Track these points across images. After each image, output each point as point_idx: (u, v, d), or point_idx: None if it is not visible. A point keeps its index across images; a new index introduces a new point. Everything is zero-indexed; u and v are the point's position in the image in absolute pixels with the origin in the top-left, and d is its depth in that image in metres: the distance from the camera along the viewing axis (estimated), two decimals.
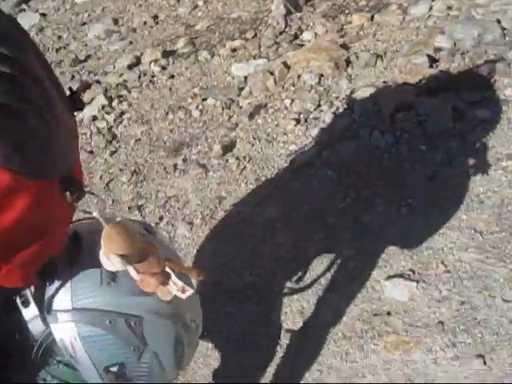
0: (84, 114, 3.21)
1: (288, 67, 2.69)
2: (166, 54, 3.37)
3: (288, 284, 1.97)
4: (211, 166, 2.54)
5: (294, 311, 1.88)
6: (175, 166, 2.64)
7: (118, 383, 0.90)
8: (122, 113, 3.12)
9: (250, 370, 1.78)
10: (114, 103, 3.19)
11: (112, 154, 2.89)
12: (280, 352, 1.79)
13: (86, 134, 3.07)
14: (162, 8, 3.87)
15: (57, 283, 0.88)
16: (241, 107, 2.75)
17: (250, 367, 1.79)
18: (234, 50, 3.08)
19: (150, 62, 3.35)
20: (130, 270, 0.79)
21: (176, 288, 0.83)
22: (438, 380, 1.65)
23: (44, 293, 0.87)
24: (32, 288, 0.87)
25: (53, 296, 0.88)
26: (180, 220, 2.36)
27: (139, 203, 2.53)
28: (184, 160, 2.65)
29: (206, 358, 1.85)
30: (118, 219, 0.82)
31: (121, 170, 2.77)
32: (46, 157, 0.68)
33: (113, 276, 0.87)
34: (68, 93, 0.80)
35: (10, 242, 0.68)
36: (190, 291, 0.83)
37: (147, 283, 0.80)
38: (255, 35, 3.09)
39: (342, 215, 2.07)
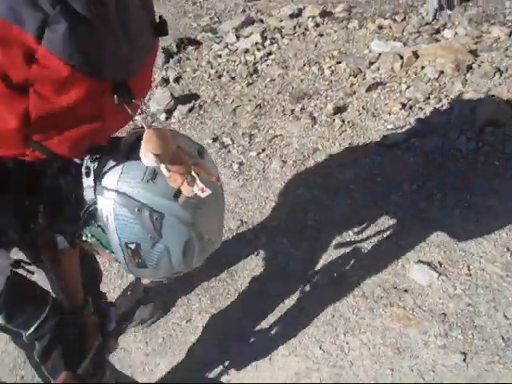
0: (239, 46, 3.53)
1: (417, 56, 2.74)
2: (324, 13, 3.52)
3: (346, 235, 2.16)
4: (320, 120, 2.74)
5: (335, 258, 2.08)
6: (292, 111, 2.87)
7: (133, 259, 1.01)
8: (269, 53, 3.38)
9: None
10: (266, 43, 3.45)
11: (248, 85, 3.18)
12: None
13: (235, 61, 3.39)
14: None
15: (112, 164, 0.98)
16: (364, 78, 2.88)
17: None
18: (380, 27, 3.16)
19: (308, 17, 3.53)
20: (162, 167, 0.91)
21: (197, 188, 0.95)
22: (420, 358, 1.79)
23: (102, 170, 0.99)
24: (96, 163, 1.00)
25: (105, 174, 0.98)
26: (277, 156, 2.62)
27: (252, 132, 2.82)
28: (301, 109, 2.86)
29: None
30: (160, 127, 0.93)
31: (249, 100, 3.06)
32: (105, 61, 0.77)
33: (153, 176, 0.96)
34: (158, 19, 0.89)
35: (64, 119, 0.80)
36: (207, 192, 0.94)
37: (174, 179, 0.93)
38: (404, 19, 3.13)
39: (404, 196, 2.19)
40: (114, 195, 0.97)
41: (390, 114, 2.58)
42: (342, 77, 2.98)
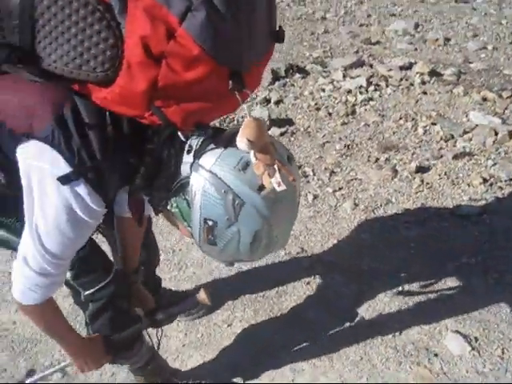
0: (344, 84, 3.73)
1: (511, 137, 2.83)
2: (433, 73, 3.67)
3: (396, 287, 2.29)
4: (400, 175, 2.88)
5: None
6: (377, 159, 3.02)
7: (207, 235, 1.12)
8: (371, 99, 3.55)
9: None
10: (370, 88, 3.64)
11: (342, 124, 3.34)
12: None
13: (336, 98, 3.60)
14: None
15: (212, 147, 1.09)
16: (455, 145, 3.01)
17: None
18: (484, 99, 3.28)
19: (417, 73, 3.69)
20: (251, 153, 1.03)
21: (275, 180, 1.04)
22: None
23: (202, 150, 1.10)
24: (198, 144, 1.11)
25: (204, 154, 1.09)
26: (351, 198, 2.79)
27: (334, 169, 2.99)
28: (386, 159, 3.01)
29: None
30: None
31: (340, 138, 3.25)
32: (229, 51, 0.92)
33: (245, 167, 1.06)
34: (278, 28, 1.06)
35: (183, 92, 0.94)
36: (283, 187, 1.04)
37: (258, 167, 1.03)
38: (509, 97, 3.22)
39: (461, 267, 2.30)
40: (207, 174, 1.07)
41: (469, 185, 2.69)
42: (434, 138, 3.11)
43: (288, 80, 3.89)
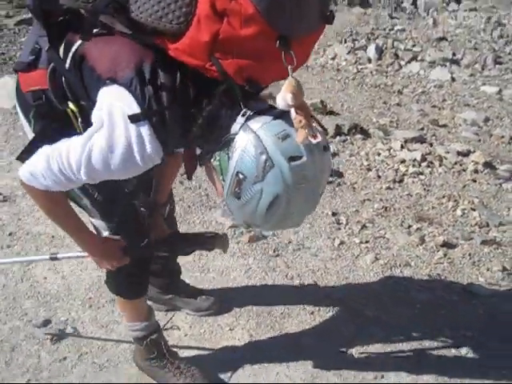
0: (399, 154, 4.00)
1: None
2: (487, 164, 3.91)
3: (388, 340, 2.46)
4: (426, 245, 3.07)
5: None
6: (409, 226, 3.23)
7: (234, 188, 1.30)
8: (421, 173, 3.81)
9: None
10: (423, 164, 3.89)
11: (387, 188, 3.62)
12: None
13: (388, 165, 3.87)
14: None
15: (262, 114, 1.28)
16: (487, 233, 3.19)
17: None
18: None
19: (472, 161, 3.93)
20: (293, 109, 1.21)
21: (311, 133, 1.22)
22: None
23: (253, 115, 1.28)
24: (253, 112, 1.28)
25: (253, 118, 1.28)
26: (374, 252, 3.00)
27: (366, 224, 3.24)
28: (417, 228, 3.21)
29: None
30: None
31: (380, 199, 3.51)
32: (280, 17, 1.14)
33: (285, 137, 1.24)
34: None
35: (238, 47, 1.16)
36: (319, 139, 1.23)
37: (299, 120, 1.21)
38: None
39: (465, 341, 2.44)
40: (251, 135, 1.26)
41: (488, 269, 2.86)
42: (469, 222, 3.30)
43: (349, 138, 4.20)
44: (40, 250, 2.87)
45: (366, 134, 4.29)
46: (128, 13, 1.28)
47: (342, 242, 3.03)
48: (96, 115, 1.34)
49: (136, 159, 1.32)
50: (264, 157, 1.25)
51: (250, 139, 1.27)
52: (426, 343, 2.40)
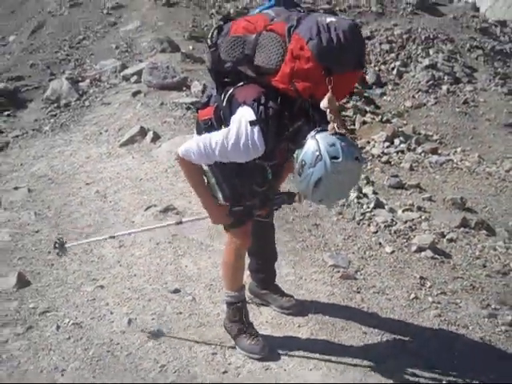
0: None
1: None
2: None
3: None
4: None
5: None
6: None
7: (299, 169, 2.41)
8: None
9: None
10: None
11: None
12: None
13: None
14: None
15: (323, 130, 2.38)
16: None
17: None
18: None
19: None
20: (328, 109, 2.31)
21: (337, 126, 2.33)
22: None
23: (318, 131, 2.38)
24: (318, 130, 2.38)
25: (319, 132, 2.37)
26: None
27: None
28: None
29: None
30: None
31: None
32: (325, 58, 2.33)
33: (331, 144, 2.31)
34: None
35: (304, 76, 2.38)
36: (341, 131, 2.34)
37: (330, 117, 2.33)
38: None
39: None
40: (314, 141, 2.35)
41: None
42: None
43: (473, 231, 4.86)
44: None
45: (491, 232, 4.88)
46: (253, 62, 2.59)
47: (416, 297, 3.76)
48: (232, 120, 2.62)
49: (249, 147, 2.53)
50: (317, 153, 2.35)
51: (312, 143, 2.39)
52: None
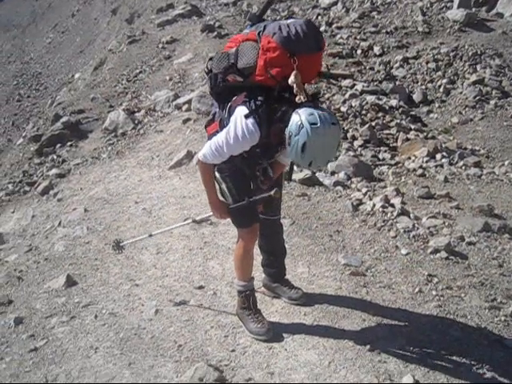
0: None
1: None
2: None
3: None
4: None
5: None
6: None
7: (287, 140, 3.07)
8: None
9: None
10: None
11: None
12: None
13: None
14: None
15: (302, 105, 3.05)
16: None
17: None
18: None
19: None
20: (294, 84, 3.06)
21: (303, 97, 3.08)
22: None
23: (298, 108, 3.05)
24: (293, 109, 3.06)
25: (300, 108, 3.03)
26: None
27: None
28: None
29: None
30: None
31: None
32: (289, 43, 3.09)
33: (310, 114, 2.99)
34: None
35: (275, 63, 3.12)
36: (301, 100, 3.07)
37: (296, 90, 3.08)
38: None
39: None
40: (296, 115, 3.01)
41: None
42: None
43: (496, 235, 5.19)
44: None
45: None
46: (237, 66, 3.29)
47: (420, 291, 4.19)
48: (230, 120, 3.30)
49: (247, 135, 3.20)
50: (299, 123, 2.99)
51: (295, 116, 3.03)
52: None
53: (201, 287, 4.38)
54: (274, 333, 3.71)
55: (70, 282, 4.69)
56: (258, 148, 3.33)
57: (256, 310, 3.78)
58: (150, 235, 4.52)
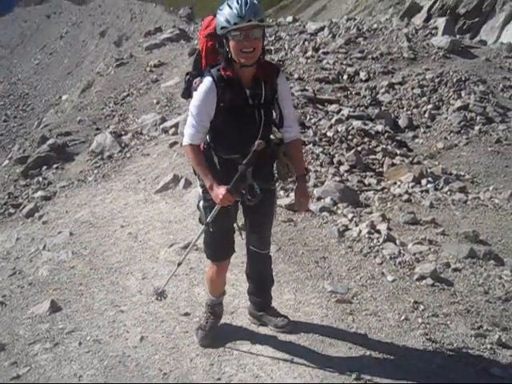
0: None
1: None
2: None
3: None
4: None
5: None
6: None
7: None
8: None
9: None
10: None
11: None
12: None
13: None
14: None
15: None
16: None
17: None
18: None
19: None
20: None
21: None
22: None
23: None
24: None
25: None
26: None
27: None
28: None
29: None
30: None
31: None
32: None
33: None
34: None
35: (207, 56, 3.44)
36: None
37: None
38: None
39: None
40: None
41: None
42: None
43: (481, 261, 5.23)
44: None
45: (499, 261, 5.23)
46: None
47: (406, 319, 4.20)
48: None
49: (206, 91, 3.30)
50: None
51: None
52: None
53: (186, 314, 4.34)
54: (211, 342, 3.87)
55: (55, 308, 4.63)
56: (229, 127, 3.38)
57: (210, 324, 3.92)
58: (179, 264, 3.95)
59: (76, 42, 25.69)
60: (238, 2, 3.14)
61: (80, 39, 25.62)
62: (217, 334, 3.93)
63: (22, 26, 31.39)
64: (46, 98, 21.38)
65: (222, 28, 3.21)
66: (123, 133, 9.56)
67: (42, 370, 3.82)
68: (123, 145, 9.21)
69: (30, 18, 46.38)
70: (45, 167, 9.35)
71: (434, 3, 23.68)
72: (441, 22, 13.22)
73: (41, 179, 9.03)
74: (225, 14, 3.18)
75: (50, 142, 9.72)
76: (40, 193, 8.48)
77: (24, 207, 8.27)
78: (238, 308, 4.33)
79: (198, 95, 3.33)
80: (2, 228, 7.99)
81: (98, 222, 6.84)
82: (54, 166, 9.25)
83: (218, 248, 3.70)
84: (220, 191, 3.32)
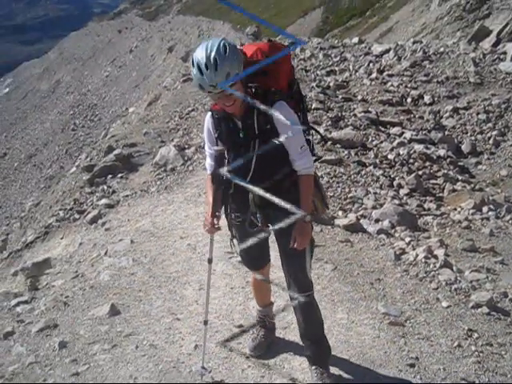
0: None
1: None
2: None
3: None
4: None
5: None
6: None
7: None
8: None
9: None
10: None
11: None
12: None
13: None
14: None
15: None
16: None
17: None
18: None
19: None
20: None
21: None
22: None
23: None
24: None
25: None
26: None
27: None
28: None
29: None
30: None
31: None
32: None
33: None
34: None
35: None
36: None
37: None
38: None
39: None
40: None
41: None
42: None
43: None
44: None
45: None
46: None
47: (459, 345, 4.18)
48: None
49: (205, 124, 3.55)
50: None
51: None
52: None
53: (240, 326, 4.47)
54: (262, 354, 4.00)
55: (114, 311, 4.85)
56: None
57: (262, 331, 4.11)
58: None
59: (144, 57, 26.56)
60: (198, 68, 3.01)
61: (148, 54, 26.49)
62: (268, 346, 4.05)
63: (95, 40, 32.79)
64: (114, 110, 22.18)
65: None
66: (186, 146, 9.83)
67: (100, 370, 4.02)
68: (186, 158, 9.47)
69: (103, 33, 48.50)
70: (110, 176, 9.71)
71: (505, 27, 23.22)
72: (510, 47, 12.99)
73: (105, 187, 9.40)
74: (193, 76, 3.13)
75: (116, 152, 10.11)
76: (104, 200, 8.81)
77: (88, 214, 8.61)
78: (291, 324, 4.41)
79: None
80: (66, 232, 8.38)
81: (159, 231, 7.06)
82: (119, 175, 9.60)
83: (247, 257, 4.00)
84: (208, 225, 3.71)
